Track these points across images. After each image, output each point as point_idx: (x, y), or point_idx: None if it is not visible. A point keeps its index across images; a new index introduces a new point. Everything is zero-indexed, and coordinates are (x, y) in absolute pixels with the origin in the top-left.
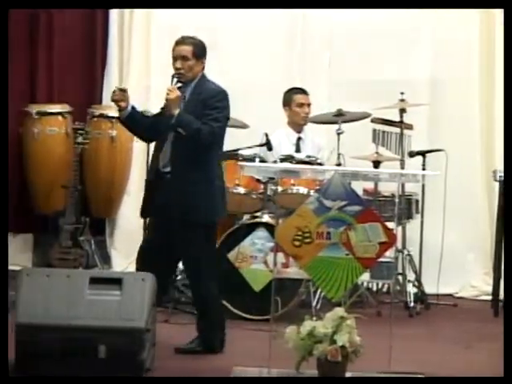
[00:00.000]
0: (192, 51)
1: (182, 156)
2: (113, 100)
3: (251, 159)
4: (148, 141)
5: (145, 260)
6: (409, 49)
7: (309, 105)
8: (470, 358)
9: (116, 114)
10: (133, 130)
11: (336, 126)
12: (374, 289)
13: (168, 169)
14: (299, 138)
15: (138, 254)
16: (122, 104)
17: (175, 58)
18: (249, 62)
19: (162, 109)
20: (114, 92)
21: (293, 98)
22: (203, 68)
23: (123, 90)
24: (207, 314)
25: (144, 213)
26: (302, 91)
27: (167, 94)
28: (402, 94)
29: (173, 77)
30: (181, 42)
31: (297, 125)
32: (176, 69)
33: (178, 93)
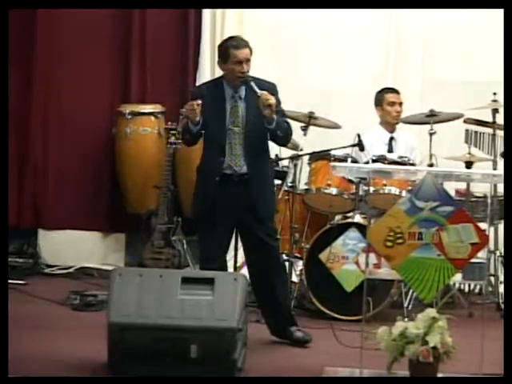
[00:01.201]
0: (251, 53)
1: (256, 156)
2: (187, 116)
3: (343, 159)
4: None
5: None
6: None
7: (400, 104)
8: None
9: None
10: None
11: (428, 127)
12: (466, 290)
13: (244, 169)
14: (392, 138)
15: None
16: (197, 118)
17: (240, 62)
18: (341, 62)
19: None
20: (191, 107)
21: (384, 97)
22: None
23: (198, 104)
24: None
25: (212, 213)
26: (394, 90)
27: (267, 99)
28: (494, 94)
29: (248, 81)
30: (244, 45)
31: (389, 124)
32: (242, 72)
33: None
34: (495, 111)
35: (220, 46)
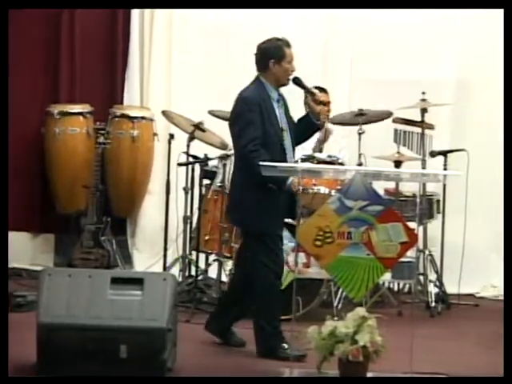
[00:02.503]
0: None
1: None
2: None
3: None
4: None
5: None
6: (432, 49)
7: (329, 103)
8: (491, 358)
9: (137, 114)
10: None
11: (357, 126)
12: (396, 289)
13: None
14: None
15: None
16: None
17: (292, 60)
18: None
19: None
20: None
21: None
22: None
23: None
24: None
25: (280, 223)
26: (322, 90)
27: (320, 95)
28: (423, 93)
29: (298, 78)
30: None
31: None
32: (292, 71)
33: None
34: (424, 110)
35: (269, 47)
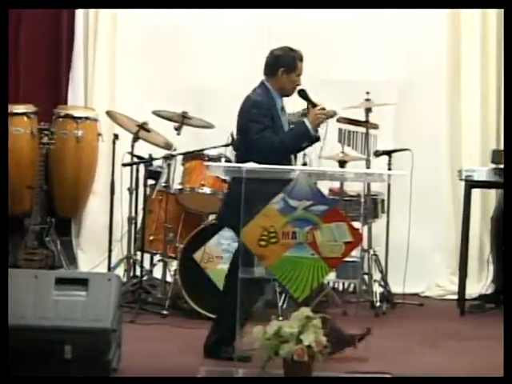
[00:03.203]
0: None
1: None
2: (319, 122)
3: (217, 159)
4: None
5: None
6: (376, 49)
7: None
8: (436, 357)
9: (81, 114)
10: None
11: None
12: (340, 288)
13: None
14: None
15: None
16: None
17: (300, 75)
18: (214, 62)
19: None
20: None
21: None
22: None
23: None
24: None
25: None
26: None
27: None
28: (367, 93)
29: (304, 91)
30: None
31: None
32: (298, 85)
33: None
34: (368, 110)
35: (283, 55)
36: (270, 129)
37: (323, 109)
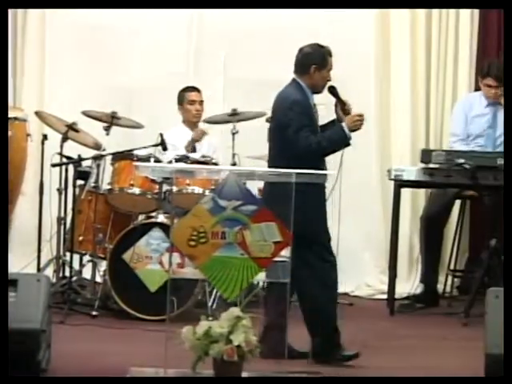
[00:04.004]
0: None
1: None
2: (357, 128)
3: (146, 159)
4: None
5: None
6: None
7: (201, 102)
8: (365, 357)
9: (10, 115)
10: None
11: (231, 126)
12: None
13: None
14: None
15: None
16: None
17: (330, 70)
18: (143, 62)
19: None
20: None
21: (185, 95)
22: None
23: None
24: None
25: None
26: (194, 89)
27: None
28: None
29: (334, 87)
30: None
31: (191, 123)
32: (329, 80)
33: None
34: None
35: (313, 52)
36: (308, 127)
37: (360, 115)
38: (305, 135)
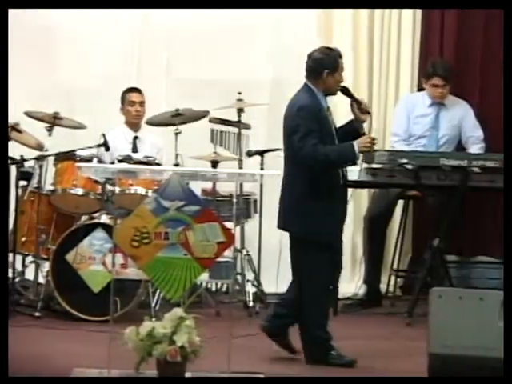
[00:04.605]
0: None
1: None
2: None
3: (89, 160)
4: None
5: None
6: (248, 49)
7: (142, 103)
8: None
9: None
10: None
11: (174, 127)
12: (214, 289)
13: (343, 181)
14: (136, 137)
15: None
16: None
17: (342, 72)
18: (86, 62)
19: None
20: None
21: (126, 96)
22: None
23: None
24: None
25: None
26: (135, 90)
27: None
28: (239, 93)
29: (347, 88)
30: None
31: (132, 124)
32: (342, 82)
33: None
34: (240, 110)
35: (324, 58)
36: (316, 133)
37: (373, 139)
38: (312, 143)
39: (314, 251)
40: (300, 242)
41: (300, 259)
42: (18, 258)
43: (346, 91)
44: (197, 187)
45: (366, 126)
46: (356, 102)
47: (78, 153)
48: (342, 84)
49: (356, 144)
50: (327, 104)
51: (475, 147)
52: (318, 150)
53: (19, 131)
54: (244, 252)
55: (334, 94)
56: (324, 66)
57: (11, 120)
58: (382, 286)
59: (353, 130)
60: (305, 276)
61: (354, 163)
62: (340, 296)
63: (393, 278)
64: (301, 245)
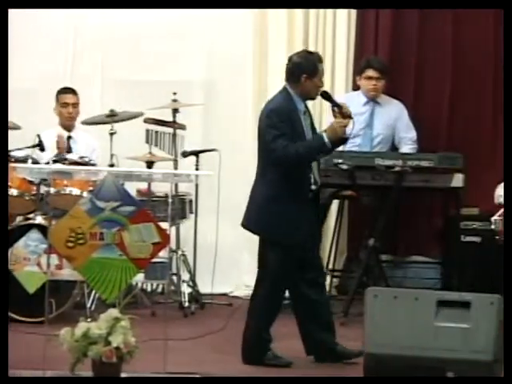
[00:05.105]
0: None
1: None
2: (340, 136)
3: (23, 160)
4: None
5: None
6: (183, 49)
7: (75, 104)
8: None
9: None
10: None
11: (109, 127)
12: (149, 289)
13: (315, 187)
14: (69, 137)
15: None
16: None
17: (322, 76)
18: (21, 63)
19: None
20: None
21: (59, 97)
22: None
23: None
24: None
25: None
26: (69, 91)
27: (349, 110)
28: (174, 94)
29: (327, 93)
30: None
31: (66, 125)
32: (321, 86)
33: None
34: (175, 111)
35: (303, 62)
36: (286, 135)
37: (344, 116)
38: (283, 144)
39: (277, 252)
40: (265, 241)
41: (263, 257)
42: None
43: (326, 96)
44: (132, 188)
45: None
46: (337, 107)
47: (13, 153)
48: (323, 89)
49: (325, 134)
50: (304, 108)
51: (407, 148)
52: (289, 148)
53: None
54: (179, 252)
55: (313, 98)
56: (302, 70)
57: None
58: None
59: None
60: (264, 274)
61: (328, 152)
62: None
63: (328, 278)
64: (266, 244)
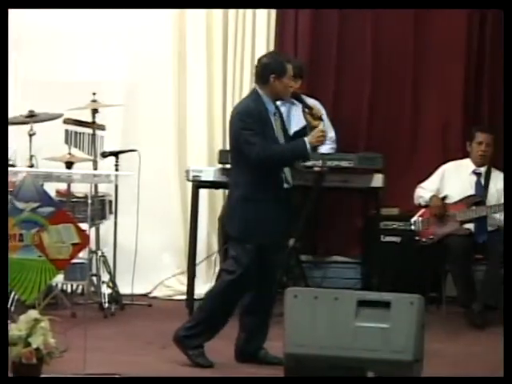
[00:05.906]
0: None
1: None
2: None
3: None
4: None
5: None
6: (103, 50)
7: None
8: (167, 356)
9: None
10: None
11: (28, 128)
12: (69, 290)
13: (287, 185)
14: None
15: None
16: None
17: (291, 76)
18: None
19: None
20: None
21: None
22: None
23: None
24: None
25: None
26: None
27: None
28: (94, 94)
29: (298, 94)
30: None
31: None
32: (291, 87)
33: None
34: (95, 111)
35: (271, 62)
36: (259, 135)
37: (322, 131)
38: (259, 144)
39: (243, 250)
40: (233, 240)
41: (230, 254)
42: None
43: (297, 97)
44: (51, 188)
45: (220, 125)
46: (308, 108)
47: None
48: (294, 90)
49: (307, 140)
50: (274, 109)
51: (326, 147)
52: (271, 149)
53: None
54: (99, 253)
55: (283, 99)
56: (271, 71)
57: None
58: None
59: (306, 135)
60: (230, 272)
61: (306, 159)
62: (196, 296)
63: None
64: (233, 243)
